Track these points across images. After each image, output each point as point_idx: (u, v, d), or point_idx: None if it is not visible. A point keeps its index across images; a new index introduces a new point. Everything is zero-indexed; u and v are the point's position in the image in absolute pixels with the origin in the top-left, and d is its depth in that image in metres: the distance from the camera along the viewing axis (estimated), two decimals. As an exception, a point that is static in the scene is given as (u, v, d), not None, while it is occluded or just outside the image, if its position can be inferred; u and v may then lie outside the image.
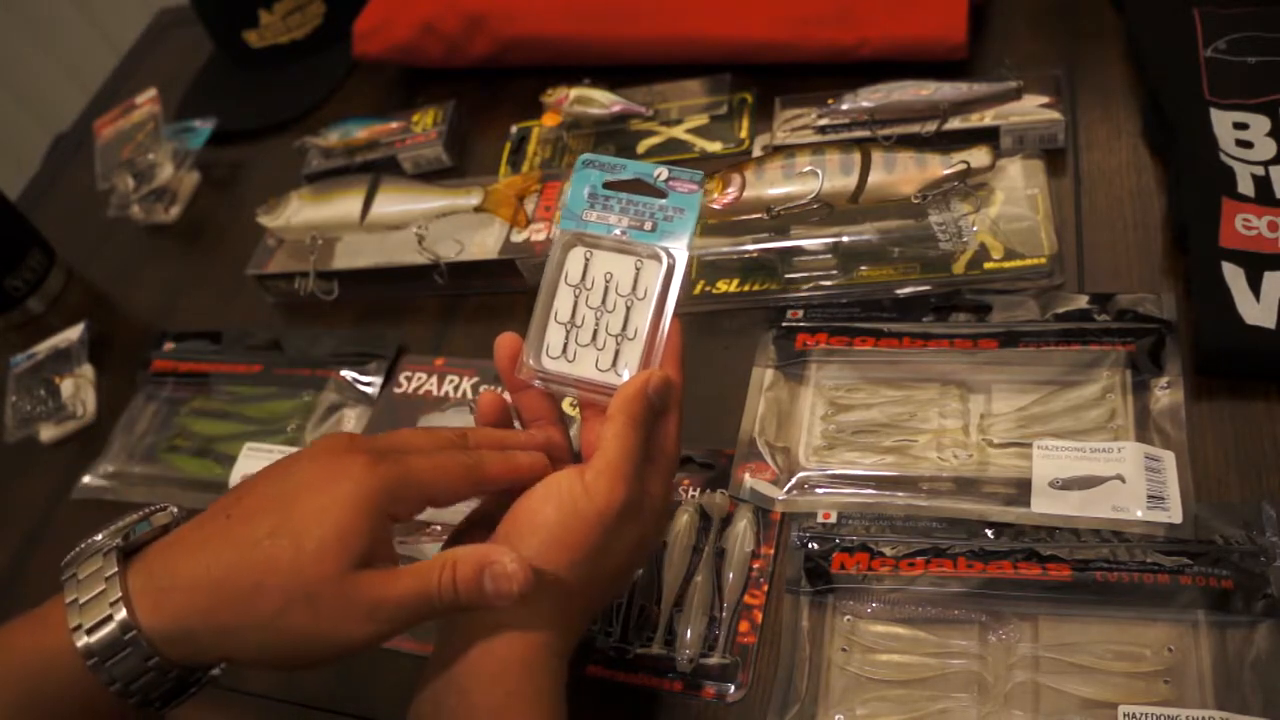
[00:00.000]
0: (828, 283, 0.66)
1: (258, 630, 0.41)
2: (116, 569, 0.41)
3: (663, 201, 0.50)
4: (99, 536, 0.43)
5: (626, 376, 0.48)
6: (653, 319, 0.49)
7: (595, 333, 0.50)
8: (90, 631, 0.40)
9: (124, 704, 0.42)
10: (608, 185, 0.51)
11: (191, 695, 0.44)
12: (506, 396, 0.52)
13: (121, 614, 0.40)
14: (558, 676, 0.45)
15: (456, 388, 0.71)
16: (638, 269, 0.50)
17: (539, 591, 0.44)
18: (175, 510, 0.46)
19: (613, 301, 0.50)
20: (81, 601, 0.41)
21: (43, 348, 0.87)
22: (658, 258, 0.49)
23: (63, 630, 0.41)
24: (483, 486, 0.47)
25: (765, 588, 0.56)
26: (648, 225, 0.50)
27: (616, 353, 0.49)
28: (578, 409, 0.58)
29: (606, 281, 0.50)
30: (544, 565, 0.44)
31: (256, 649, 0.42)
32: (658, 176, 0.50)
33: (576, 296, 0.50)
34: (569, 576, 0.45)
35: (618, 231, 0.50)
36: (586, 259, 0.50)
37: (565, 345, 0.50)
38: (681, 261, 0.49)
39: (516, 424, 0.52)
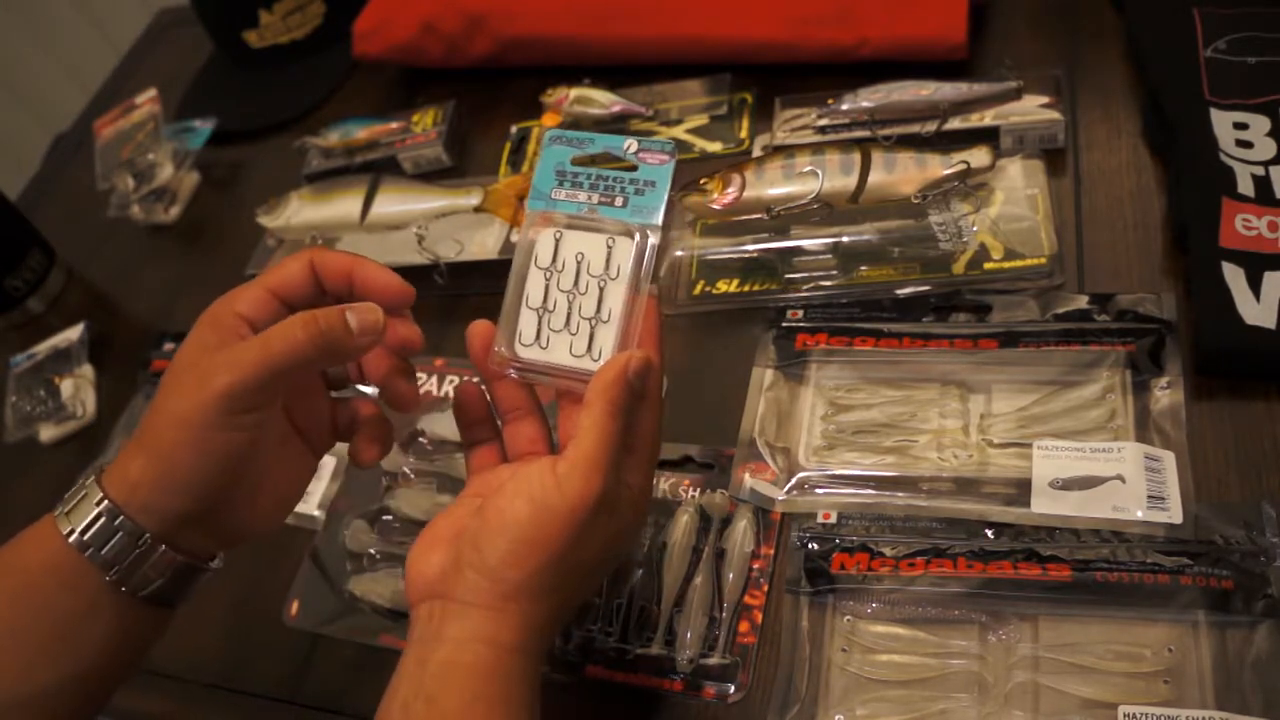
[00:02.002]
0: (828, 283, 0.66)
1: (173, 454, 0.44)
2: (94, 478, 0.45)
3: (633, 175, 0.48)
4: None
5: (601, 361, 0.47)
6: (627, 299, 0.47)
7: (568, 317, 0.48)
8: (83, 532, 0.44)
9: (126, 593, 0.45)
10: (576, 161, 0.49)
11: (193, 587, 0.48)
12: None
13: (105, 504, 0.44)
14: (529, 679, 0.44)
15: (456, 388, 0.71)
16: (609, 247, 0.48)
17: (510, 593, 0.43)
18: None
19: (585, 283, 0.48)
20: (68, 510, 0.45)
21: (43, 348, 0.87)
22: (630, 234, 0.47)
23: (56, 540, 0.44)
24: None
25: (765, 588, 0.56)
26: (619, 201, 0.48)
27: (591, 336, 0.47)
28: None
29: (578, 262, 0.48)
30: (516, 566, 0.43)
31: (191, 471, 0.44)
32: (627, 149, 0.48)
33: (548, 280, 0.48)
34: (542, 576, 0.43)
35: (588, 209, 0.48)
36: (556, 240, 0.48)
37: (538, 331, 0.48)
38: (655, 236, 0.47)
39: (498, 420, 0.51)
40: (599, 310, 0.47)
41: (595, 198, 0.48)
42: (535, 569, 0.43)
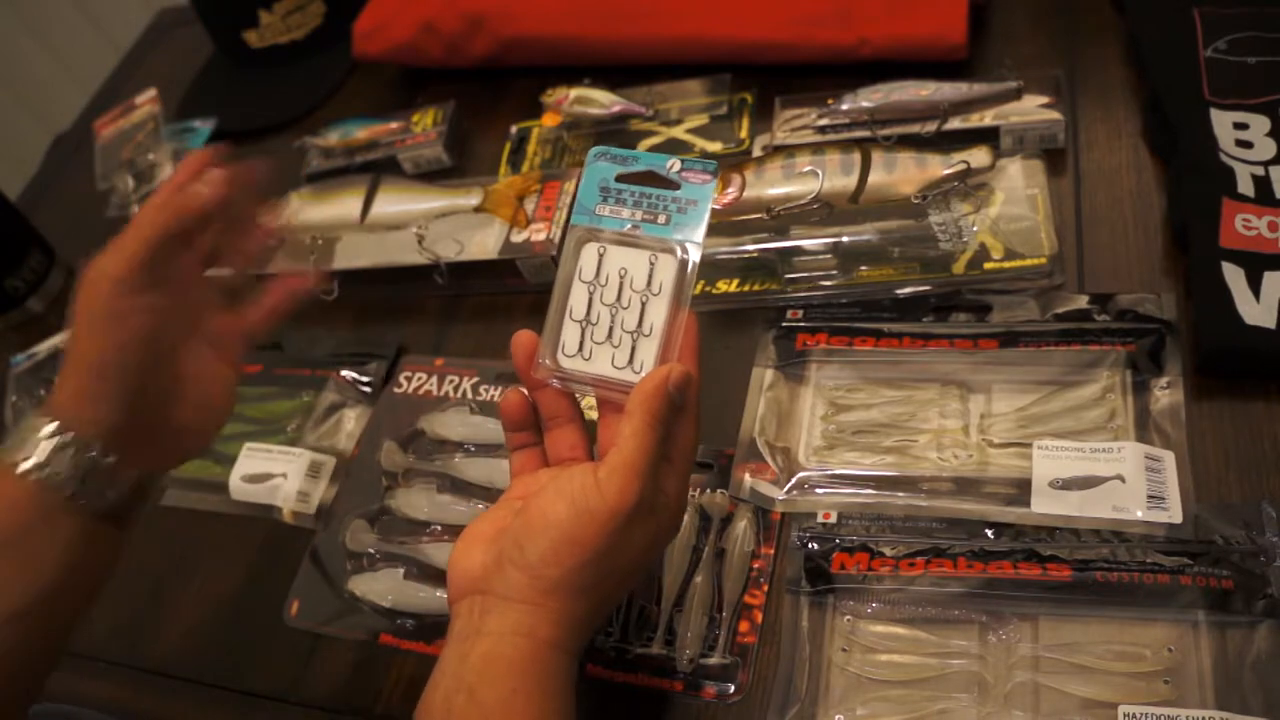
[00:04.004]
0: (828, 283, 0.66)
1: (93, 357, 0.48)
2: (35, 411, 0.49)
3: (676, 193, 0.49)
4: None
5: (643, 373, 0.48)
6: (668, 314, 0.48)
7: (611, 330, 0.49)
8: (22, 453, 0.47)
9: (86, 514, 0.48)
10: (619, 178, 0.50)
11: (138, 501, 0.52)
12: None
13: (50, 425, 0.48)
14: (566, 675, 0.46)
15: (456, 388, 0.71)
16: (652, 264, 0.49)
17: (549, 589, 0.45)
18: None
19: (628, 298, 0.49)
20: (10, 441, 0.48)
21: (43, 348, 0.87)
22: (672, 251, 0.49)
23: (9, 476, 0.48)
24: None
25: (765, 588, 0.56)
26: (661, 218, 0.49)
27: (633, 350, 0.49)
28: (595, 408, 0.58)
29: (621, 277, 0.49)
30: (555, 563, 0.45)
31: (109, 368, 0.48)
32: (670, 168, 0.49)
33: (591, 293, 0.50)
34: (579, 574, 0.45)
35: (630, 225, 0.49)
36: (600, 254, 0.50)
37: (581, 343, 0.50)
38: (696, 254, 0.48)
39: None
40: (641, 324, 0.49)
41: (639, 214, 0.49)
42: (574, 567, 0.45)
